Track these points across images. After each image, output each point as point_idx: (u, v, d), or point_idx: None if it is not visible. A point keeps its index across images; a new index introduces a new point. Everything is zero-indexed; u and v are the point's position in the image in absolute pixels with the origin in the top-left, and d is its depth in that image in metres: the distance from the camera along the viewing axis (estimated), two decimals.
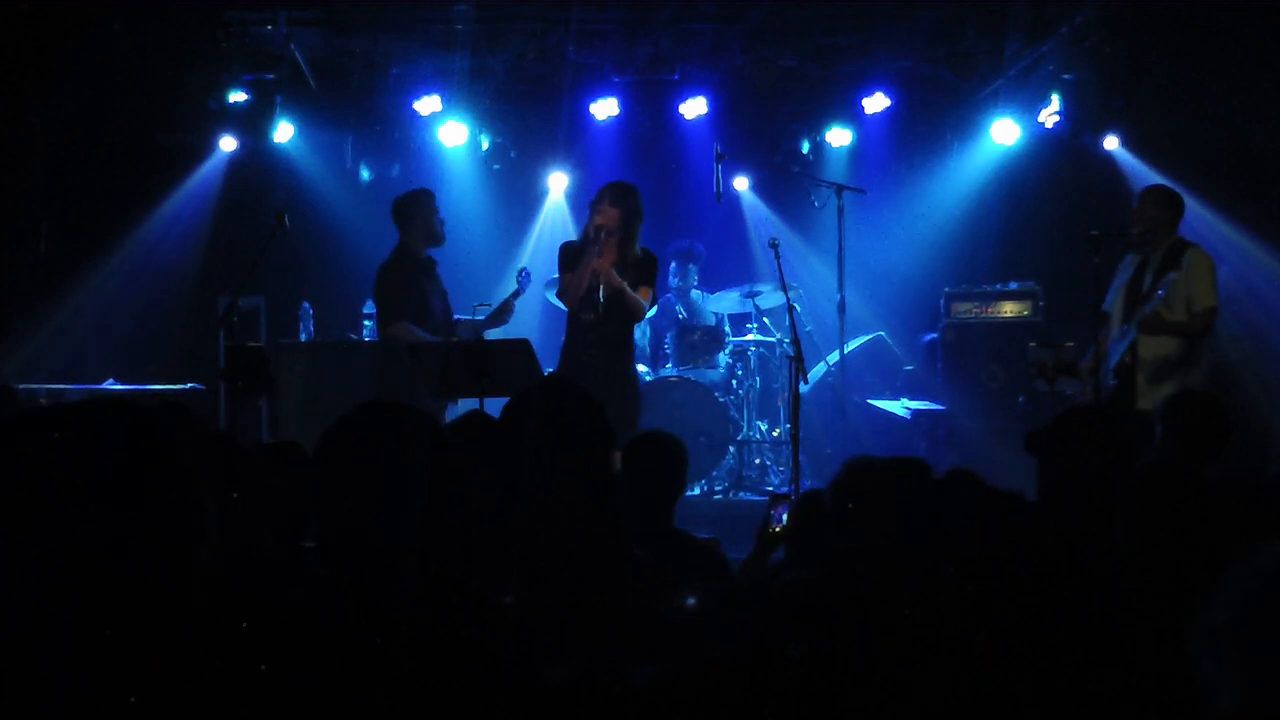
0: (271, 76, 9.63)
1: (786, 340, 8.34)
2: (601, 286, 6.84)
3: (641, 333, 8.96)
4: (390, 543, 2.46)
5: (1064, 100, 9.73)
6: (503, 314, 7.63)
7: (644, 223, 7.12)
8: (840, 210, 8.20)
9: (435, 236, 7.66)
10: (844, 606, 2.64)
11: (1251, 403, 8.92)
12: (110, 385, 8.25)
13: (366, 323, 8.58)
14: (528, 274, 7.74)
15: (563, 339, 7.24)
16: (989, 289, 9.73)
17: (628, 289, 6.86)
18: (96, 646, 2.33)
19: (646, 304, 7.00)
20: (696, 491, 8.69)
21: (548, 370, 7.58)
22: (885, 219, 10.37)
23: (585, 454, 2.81)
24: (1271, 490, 3.69)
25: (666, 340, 9.20)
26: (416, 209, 7.64)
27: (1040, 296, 9.57)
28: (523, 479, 2.78)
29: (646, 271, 7.01)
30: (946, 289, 9.78)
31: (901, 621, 2.62)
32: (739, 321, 9.51)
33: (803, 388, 7.17)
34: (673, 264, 9.45)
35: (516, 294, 7.67)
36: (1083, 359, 7.18)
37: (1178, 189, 7.30)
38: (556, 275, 7.40)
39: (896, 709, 2.56)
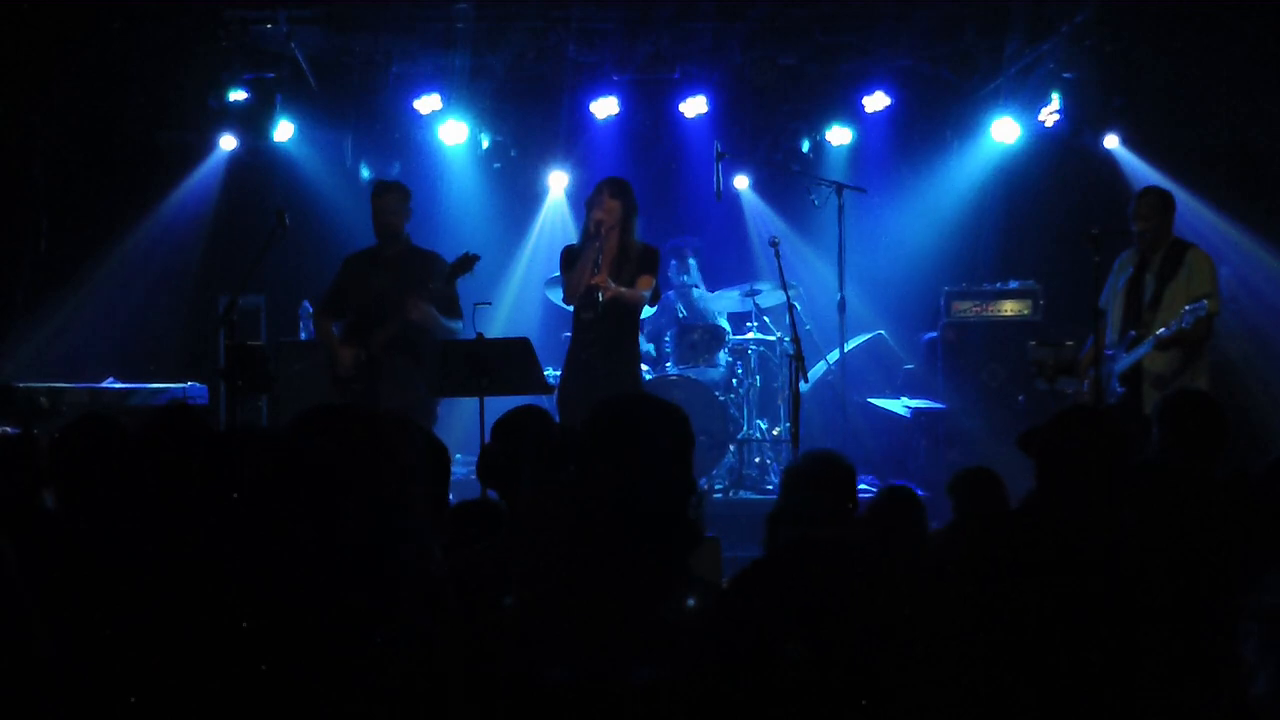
0: (272, 75, 9.63)
1: (786, 339, 8.34)
2: (600, 291, 6.84)
3: (643, 332, 8.97)
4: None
5: (1064, 99, 9.73)
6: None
7: (643, 219, 7.14)
8: (840, 209, 8.20)
9: (376, 230, 7.47)
10: (845, 606, 2.64)
11: (1252, 403, 8.92)
12: (110, 384, 8.25)
13: None
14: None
15: (565, 337, 7.26)
16: (989, 288, 9.74)
17: (624, 292, 6.86)
18: (98, 646, 2.34)
19: (648, 294, 6.97)
20: None
21: (547, 369, 7.59)
22: (885, 218, 10.37)
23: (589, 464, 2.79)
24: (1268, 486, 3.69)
25: (667, 339, 9.20)
26: (371, 203, 7.50)
27: (1040, 295, 9.57)
28: (524, 486, 2.78)
29: (648, 262, 7.01)
30: (947, 288, 9.78)
31: (901, 622, 2.62)
32: (739, 320, 9.51)
33: (803, 386, 7.17)
34: (672, 262, 9.46)
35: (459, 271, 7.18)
36: (1081, 352, 7.21)
37: (1178, 188, 7.32)
38: (557, 274, 7.38)
39: (896, 709, 2.56)
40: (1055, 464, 3.25)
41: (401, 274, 7.27)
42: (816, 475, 3.80)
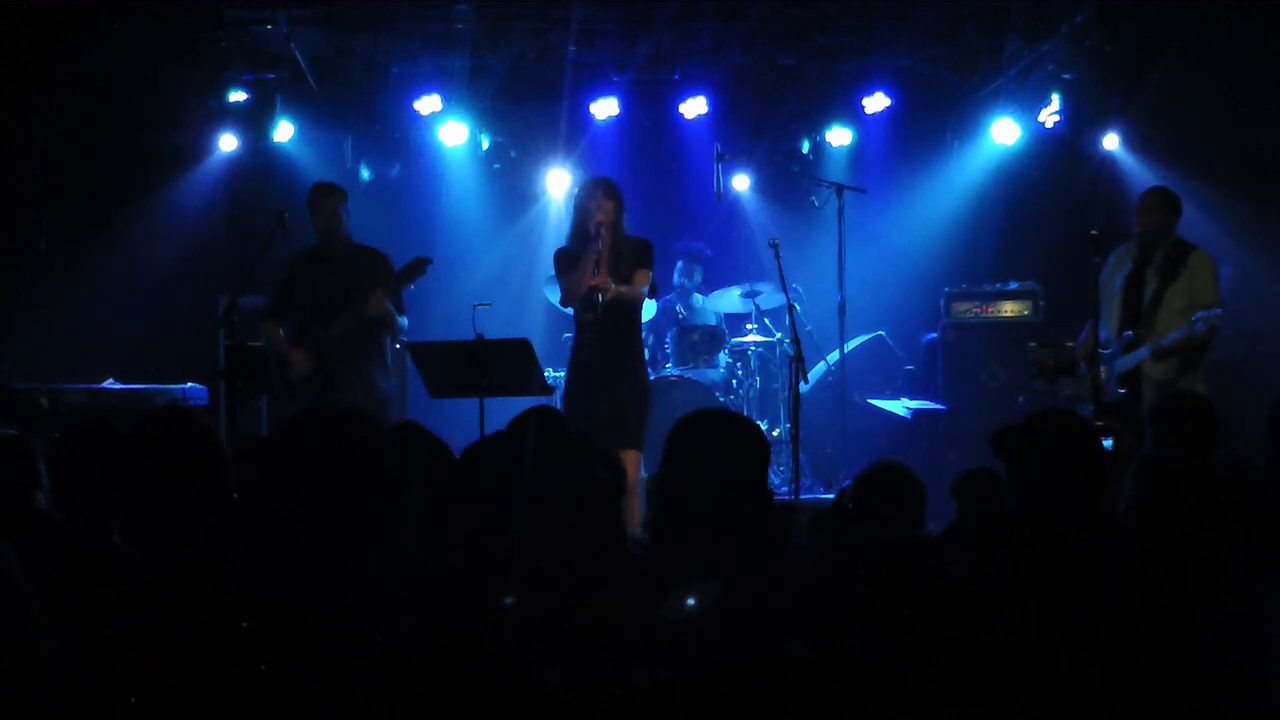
0: (272, 76, 9.63)
1: (786, 340, 8.34)
2: (600, 293, 6.83)
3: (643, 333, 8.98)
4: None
5: (1064, 100, 9.73)
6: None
7: (643, 219, 7.16)
8: (840, 210, 8.20)
9: (317, 232, 7.42)
10: (844, 606, 2.64)
11: (1251, 404, 8.91)
12: (110, 385, 8.24)
13: None
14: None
15: (567, 338, 7.27)
16: (989, 289, 9.73)
17: (624, 291, 6.86)
18: (98, 646, 2.33)
19: (646, 288, 6.97)
20: None
21: (547, 370, 7.59)
22: (885, 218, 10.37)
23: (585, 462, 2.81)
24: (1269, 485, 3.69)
25: (667, 340, 9.19)
26: (309, 206, 7.46)
27: (1040, 296, 9.57)
28: (524, 486, 2.79)
29: (643, 256, 7.00)
30: (946, 289, 9.78)
31: (901, 622, 2.62)
32: (739, 321, 9.50)
33: (803, 387, 7.17)
34: (679, 263, 9.47)
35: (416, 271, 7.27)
36: (1076, 346, 7.23)
37: (1178, 188, 7.32)
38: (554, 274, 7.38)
39: (897, 709, 2.56)
40: (1025, 464, 3.26)
41: (349, 274, 7.24)
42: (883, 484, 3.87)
